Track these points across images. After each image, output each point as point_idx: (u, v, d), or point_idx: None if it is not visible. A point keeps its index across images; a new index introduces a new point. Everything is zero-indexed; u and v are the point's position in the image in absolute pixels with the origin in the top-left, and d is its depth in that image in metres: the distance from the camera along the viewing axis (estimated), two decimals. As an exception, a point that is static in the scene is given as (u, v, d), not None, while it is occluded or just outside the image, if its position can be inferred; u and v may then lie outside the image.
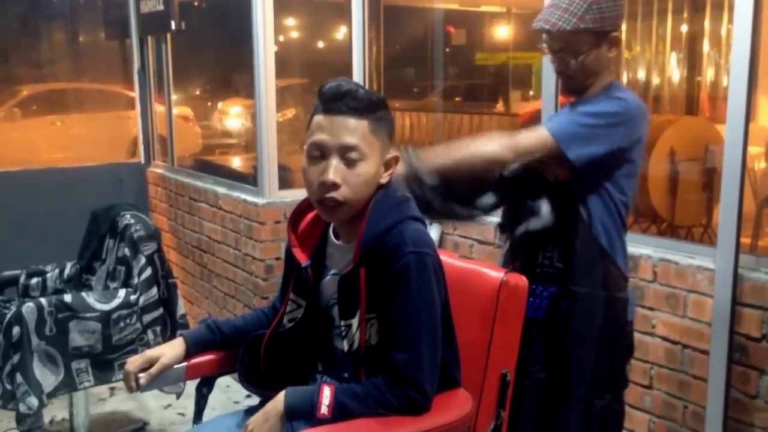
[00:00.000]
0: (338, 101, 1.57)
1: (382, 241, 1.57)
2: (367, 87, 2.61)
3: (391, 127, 1.67)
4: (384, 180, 1.65)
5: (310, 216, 1.77)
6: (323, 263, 1.74)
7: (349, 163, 1.57)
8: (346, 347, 1.61)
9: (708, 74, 6.05)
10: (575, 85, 2.06)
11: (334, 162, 1.57)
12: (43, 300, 2.86)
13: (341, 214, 1.62)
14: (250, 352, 1.77)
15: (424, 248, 1.57)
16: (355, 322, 1.60)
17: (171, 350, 1.80)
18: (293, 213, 1.78)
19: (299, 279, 1.74)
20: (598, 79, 2.05)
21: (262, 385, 1.78)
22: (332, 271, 1.71)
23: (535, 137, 1.98)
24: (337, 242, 1.72)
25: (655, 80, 6.32)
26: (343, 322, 1.62)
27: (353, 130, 1.57)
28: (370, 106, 1.59)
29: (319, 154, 1.59)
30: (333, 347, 1.74)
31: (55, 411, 3.50)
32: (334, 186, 1.57)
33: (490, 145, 1.99)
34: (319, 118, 1.60)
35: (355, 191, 1.59)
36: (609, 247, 2.03)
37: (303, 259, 1.72)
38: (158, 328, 3.05)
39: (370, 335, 1.59)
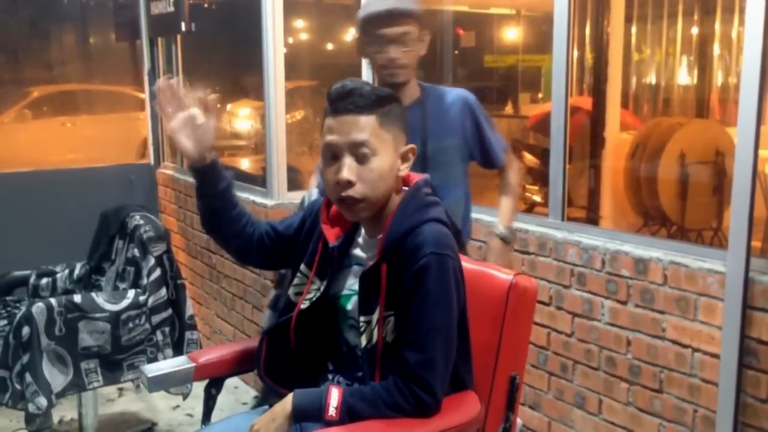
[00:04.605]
0: (344, 100, 1.58)
1: (405, 241, 1.57)
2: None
3: (403, 120, 1.67)
4: (403, 172, 1.66)
5: None
6: (348, 251, 1.74)
7: (361, 160, 1.58)
8: (363, 343, 1.61)
9: (718, 77, 6.02)
10: (405, 77, 2.19)
11: (347, 161, 1.58)
12: (52, 300, 2.87)
13: (362, 211, 1.62)
14: (269, 342, 1.77)
15: (445, 250, 1.57)
16: (374, 318, 1.60)
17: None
18: None
19: (321, 259, 1.74)
20: (412, 71, 2.22)
21: (279, 378, 1.78)
22: (356, 262, 1.72)
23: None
24: (365, 235, 1.72)
25: (666, 83, 6.30)
26: (362, 318, 1.62)
27: (362, 127, 1.58)
28: (377, 102, 1.60)
29: (333, 155, 1.60)
30: (340, 342, 1.74)
31: (64, 411, 3.51)
32: (349, 184, 1.58)
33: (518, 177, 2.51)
34: (328, 121, 1.61)
35: (372, 187, 1.59)
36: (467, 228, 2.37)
37: (332, 237, 1.72)
38: (167, 329, 3.06)
39: (386, 332, 1.59)
